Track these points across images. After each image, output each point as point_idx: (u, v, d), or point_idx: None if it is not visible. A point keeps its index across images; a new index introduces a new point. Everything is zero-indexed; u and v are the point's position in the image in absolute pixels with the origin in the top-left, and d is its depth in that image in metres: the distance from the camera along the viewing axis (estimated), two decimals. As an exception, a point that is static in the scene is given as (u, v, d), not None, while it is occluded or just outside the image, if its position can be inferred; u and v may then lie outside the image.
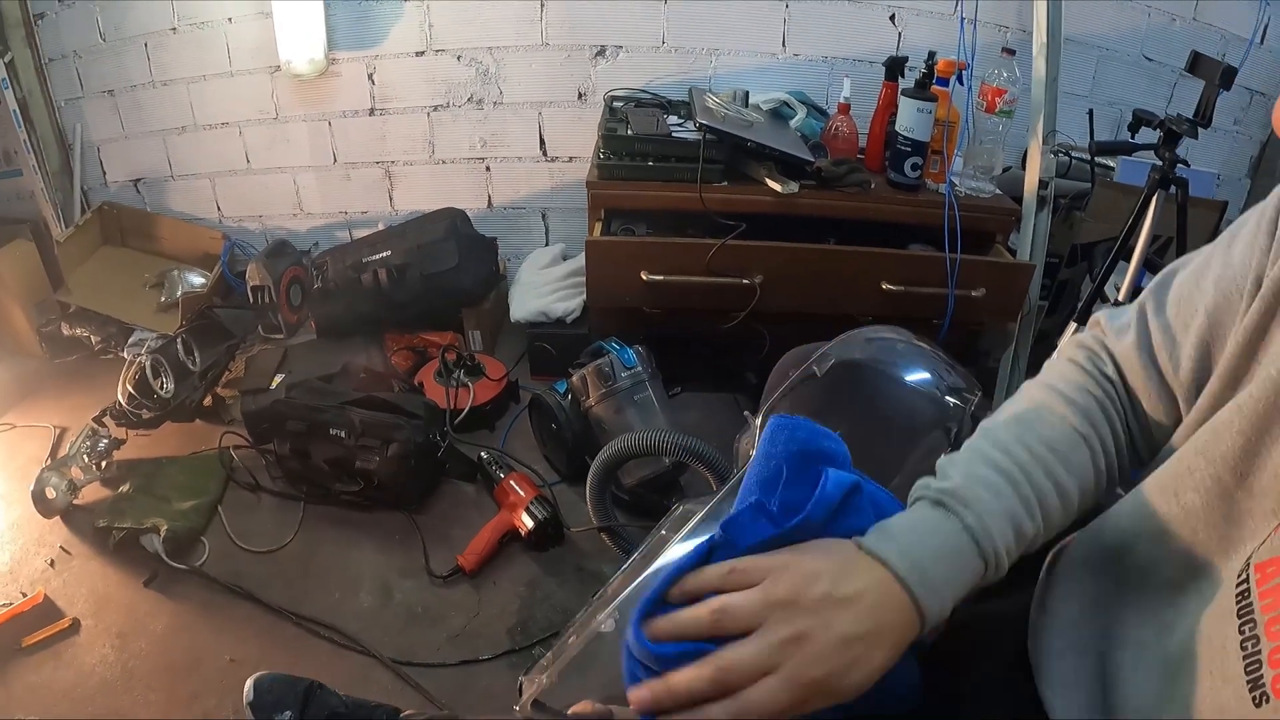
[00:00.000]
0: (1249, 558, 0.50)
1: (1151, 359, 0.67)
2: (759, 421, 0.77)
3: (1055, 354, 0.75)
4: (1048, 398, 0.69)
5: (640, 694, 0.55)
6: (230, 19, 2.39)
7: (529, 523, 1.73)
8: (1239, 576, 0.50)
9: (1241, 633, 0.48)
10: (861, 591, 0.56)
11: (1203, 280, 0.63)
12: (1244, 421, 0.52)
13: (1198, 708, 0.50)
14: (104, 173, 2.68)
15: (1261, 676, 0.46)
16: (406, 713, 1.35)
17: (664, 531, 0.71)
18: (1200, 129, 1.68)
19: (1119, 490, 0.68)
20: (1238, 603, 0.49)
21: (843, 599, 0.55)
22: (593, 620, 0.64)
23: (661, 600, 0.57)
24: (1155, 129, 1.75)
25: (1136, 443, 0.70)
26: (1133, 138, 1.87)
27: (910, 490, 0.65)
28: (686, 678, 0.54)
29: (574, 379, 1.89)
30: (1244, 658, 0.47)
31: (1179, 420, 0.65)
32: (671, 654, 0.55)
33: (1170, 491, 0.57)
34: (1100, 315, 0.74)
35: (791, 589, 0.55)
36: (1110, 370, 0.70)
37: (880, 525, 0.61)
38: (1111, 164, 2.28)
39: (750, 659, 0.53)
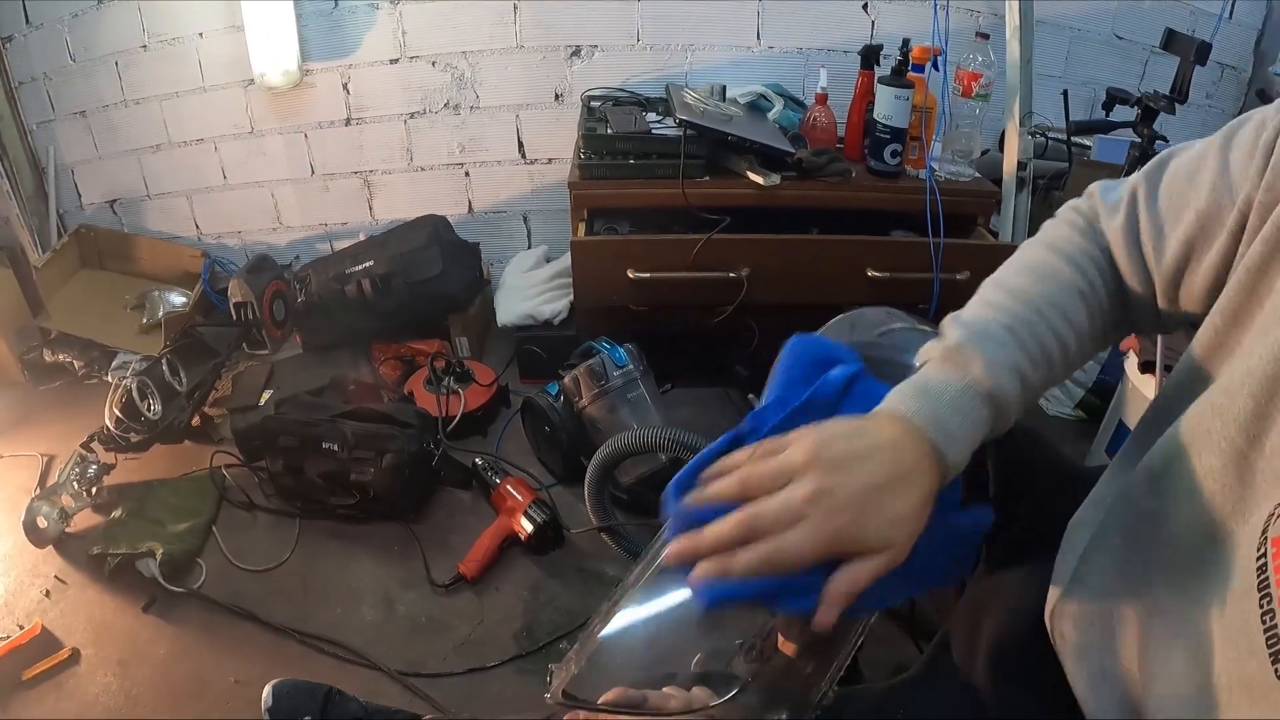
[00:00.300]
0: (1265, 530, 0.50)
1: (1136, 244, 0.68)
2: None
3: (1054, 217, 0.77)
4: (1048, 255, 0.71)
5: (676, 545, 0.58)
6: (201, 34, 2.37)
7: (528, 526, 1.72)
8: (1258, 551, 0.50)
9: (1261, 606, 0.49)
10: (880, 444, 0.59)
11: (1196, 178, 0.63)
12: (1254, 384, 0.52)
13: (1230, 681, 0.51)
14: (79, 195, 2.65)
15: None
16: (425, 718, 1.35)
17: None
18: (1177, 104, 1.69)
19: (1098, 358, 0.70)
20: (1258, 576, 0.50)
21: (861, 452, 0.58)
22: (615, 610, 0.64)
23: (694, 480, 0.61)
24: (1133, 106, 1.77)
25: (1122, 310, 0.72)
26: (1107, 115, 1.89)
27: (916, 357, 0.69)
28: (717, 527, 0.57)
29: (566, 380, 1.89)
30: (1264, 631, 0.48)
31: (1153, 300, 0.69)
32: (707, 517, 0.58)
33: (1193, 452, 0.58)
34: (1095, 187, 0.75)
35: (811, 451, 0.58)
36: (1104, 241, 0.72)
37: (894, 390, 0.64)
38: (1088, 143, 2.29)
39: (776, 509, 0.56)
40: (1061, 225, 0.74)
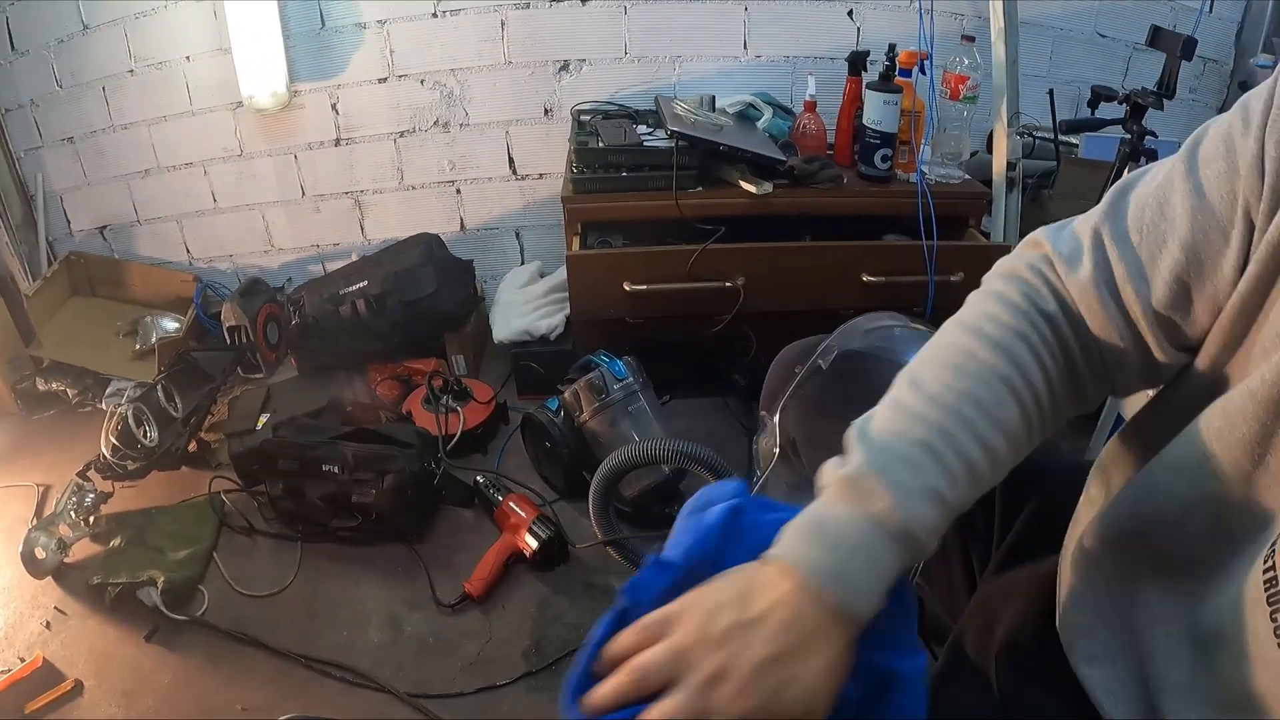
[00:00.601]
0: (1274, 543, 0.50)
1: (1113, 293, 0.60)
2: (776, 420, 0.77)
3: (985, 282, 0.68)
4: (971, 342, 0.62)
5: None
6: (188, 57, 2.37)
7: (533, 543, 1.72)
8: (1265, 564, 0.50)
9: (1274, 620, 0.48)
10: (771, 608, 0.54)
11: (1167, 207, 0.58)
12: (1258, 407, 0.51)
13: (1239, 687, 0.51)
14: (69, 222, 2.64)
15: None
16: None
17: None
18: (1165, 100, 1.71)
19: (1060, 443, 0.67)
20: (1266, 590, 0.49)
21: (751, 621, 0.54)
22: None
23: (589, 676, 0.56)
24: (1120, 103, 1.78)
25: (1085, 386, 0.64)
26: (1093, 113, 1.91)
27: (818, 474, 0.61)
28: None
29: (565, 395, 1.88)
30: (1277, 644, 0.48)
31: (1141, 353, 0.61)
32: None
33: (1188, 477, 0.56)
34: (1040, 235, 0.66)
35: (698, 628, 0.54)
36: (1051, 306, 0.63)
37: (786, 528, 0.58)
38: (1075, 141, 2.31)
39: (675, 711, 0.52)
40: (989, 299, 0.65)
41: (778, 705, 0.52)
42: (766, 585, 0.55)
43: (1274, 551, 0.49)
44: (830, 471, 0.59)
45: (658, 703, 0.53)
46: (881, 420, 0.61)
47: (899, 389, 0.62)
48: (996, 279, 0.66)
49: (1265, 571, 0.50)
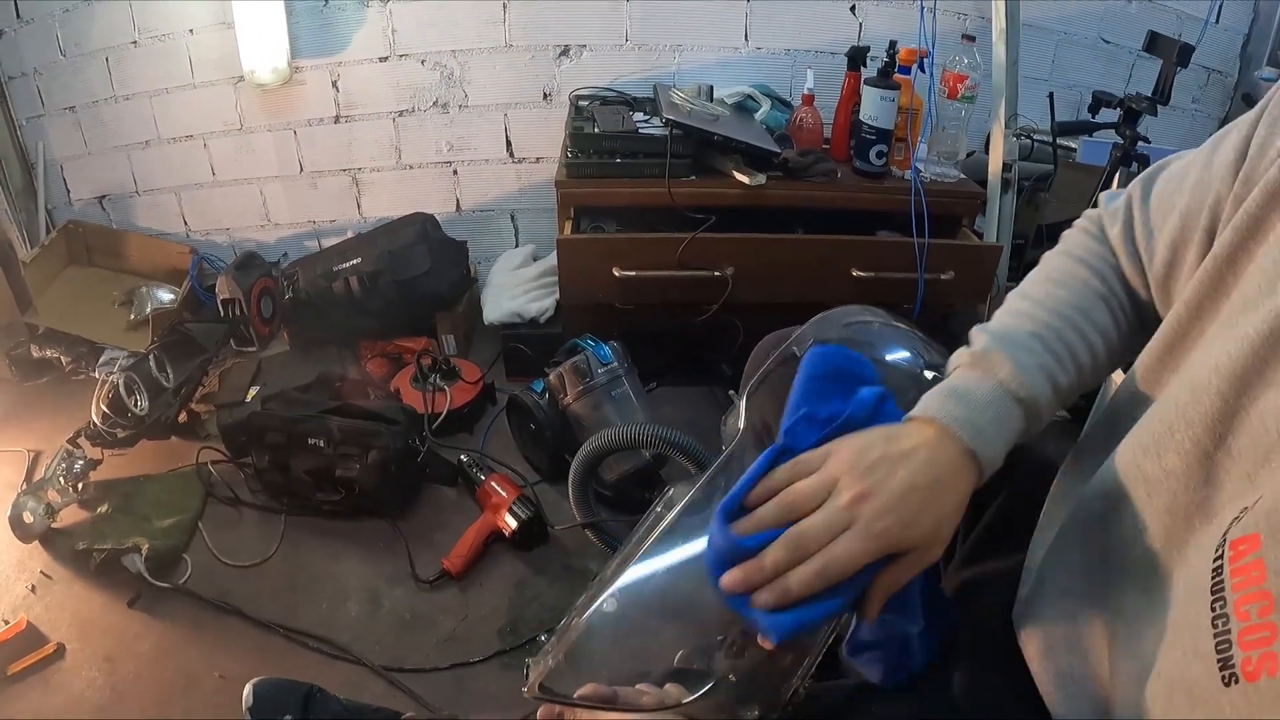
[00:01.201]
0: (1225, 532, 0.49)
1: (1134, 246, 0.71)
2: (743, 403, 0.79)
3: (1066, 234, 0.80)
4: (1067, 262, 0.74)
5: (731, 576, 0.59)
6: (191, 30, 2.37)
7: (512, 523, 1.73)
8: (1215, 552, 0.49)
9: (1213, 609, 0.48)
10: (916, 447, 0.60)
11: (1184, 181, 0.66)
12: (1222, 382, 0.52)
13: (1171, 682, 0.51)
14: (68, 191, 2.65)
15: (1231, 657, 0.46)
16: (406, 715, 1.35)
17: (659, 509, 0.73)
18: (1160, 106, 1.71)
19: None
20: (1212, 578, 0.49)
21: (899, 456, 0.60)
22: (593, 603, 0.65)
23: (740, 506, 0.62)
24: (1115, 108, 1.78)
25: (1135, 314, 0.74)
26: (1093, 118, 1.91)
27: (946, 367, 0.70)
28: (769, 553, 0.58)
29: (551, 377, 1.89)
30: (1214, 635, 0.47)
31: (1152, 301, 0.71)
32: (753, 544, 0.59)
33: (1154, 452, 0.57)
34: (1103, 196, 0.78)
35: (849, 460, 0.60)
36: (1107, 251, 0.74)
37: (924, 396, 0.66)
38: (1073, 145, 2.31)
39: (820, 523, 0.58)
40: (1077, 233, 0.77)
41: (906, 531, 0.58)
42: (911, 430, 0.63)
43: (1224, 541, 0.49)
44: (958, 356, 0.69)
45: (807, 518, 0.59)
46: (997, 320, 0.71)
47: (1010, 300, 0.74)
48: (1079, 221, 0.79)
49: (1215, 561, 0.49)
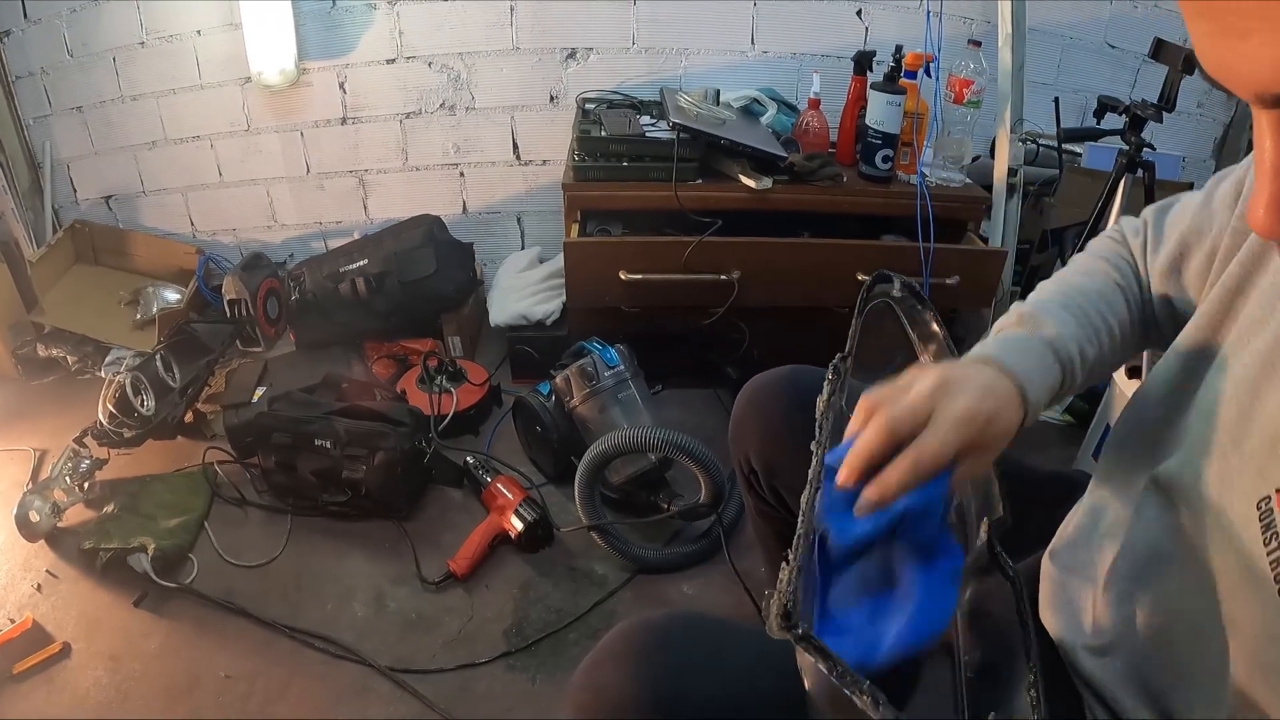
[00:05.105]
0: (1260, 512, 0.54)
1: (1144, 249, 0.80)
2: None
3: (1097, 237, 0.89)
4: (1090, 260, 0.83)
5: (843, 473, 0.63)
6: (199, 31, 2.38)
7: (518, 525, 1.74)
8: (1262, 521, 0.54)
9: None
10: (974, 376, 0.66)
11: (1188, 209, 0.75)
12: (1236, 388, 0.58)
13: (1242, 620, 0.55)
14: (75, 190, 2.66)
15: None
16: None
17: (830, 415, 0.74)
18: (1165, 113, 1.71)
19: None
20: (1266, 546, 0.54)
21: (968, 374, 0.66)
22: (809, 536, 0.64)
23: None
24: (1120, 114, 1.78)
25: (1145, 311, 0.82)
26: (1098, 123, 1.91)
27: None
28: (863, 439, 0.63)
29: (557, 380, 1.90)
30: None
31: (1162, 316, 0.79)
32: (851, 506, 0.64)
33: (1184, 457, 0.62)
34: (1125, 218, 0.86)
35: (936, 374, 0.65)
36: (1128, 257, 0.83)
37: (977, 344, 0.74)
38: (1079, 150, 2.31)
39: (906, 405, 0.63)
40: (1102, 238, 0.87)
41: (990, 425, 0.64)
42: (968, 365, 0.69)
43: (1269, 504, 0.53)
44: (1004, 319, 0.78)
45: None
46: (1034, 297, 0.80)
47: (1043, 286, 0.82)
48: (1101, 235, 0.87)
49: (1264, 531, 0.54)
